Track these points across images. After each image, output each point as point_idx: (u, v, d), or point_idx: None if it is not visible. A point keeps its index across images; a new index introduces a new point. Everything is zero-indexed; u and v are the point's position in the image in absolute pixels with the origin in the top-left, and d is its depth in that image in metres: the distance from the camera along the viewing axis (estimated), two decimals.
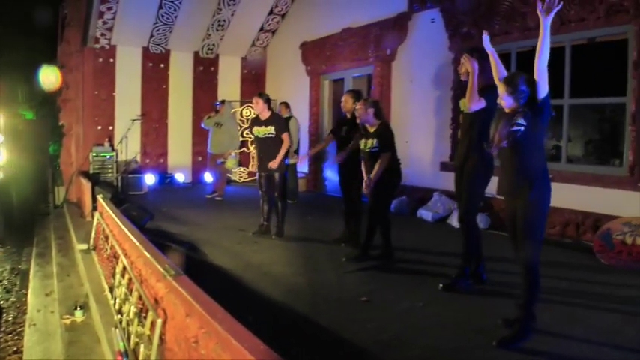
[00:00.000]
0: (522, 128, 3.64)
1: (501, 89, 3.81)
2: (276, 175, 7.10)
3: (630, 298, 4.77)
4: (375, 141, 5.83)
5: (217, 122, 10.96)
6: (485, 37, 4.46)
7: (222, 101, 11.39)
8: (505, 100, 3.77)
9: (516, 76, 3.79)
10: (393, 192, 6.21)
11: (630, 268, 5.81)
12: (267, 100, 7.22)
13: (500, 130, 3.75)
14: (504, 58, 7.58)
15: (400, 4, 9.95)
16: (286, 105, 10.48)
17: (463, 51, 5.33)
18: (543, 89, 3.62)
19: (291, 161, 8.87)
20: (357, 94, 6.79)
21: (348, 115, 6.74)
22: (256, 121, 7.26)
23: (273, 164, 6.99)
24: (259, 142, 7.21)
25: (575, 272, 5.66)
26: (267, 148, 7.11)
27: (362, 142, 6.00)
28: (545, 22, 3.62)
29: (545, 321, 3.95)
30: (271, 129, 7.07)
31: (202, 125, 11.38)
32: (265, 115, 7.16)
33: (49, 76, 11.85)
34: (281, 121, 7.31)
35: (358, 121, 6.03)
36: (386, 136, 5.87)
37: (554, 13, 3.63)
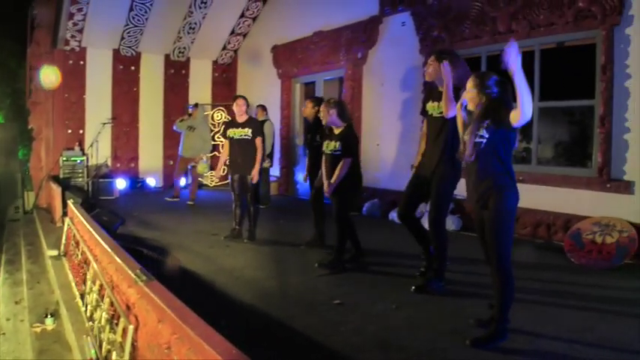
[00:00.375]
0: (484, 140, 3.70)
1: (469, 84, 3.86)
2: (249, 177, 7.12)
3: (600, 297, 4.86)
4: (337, 144, 5.77)
5: (190, 125, 10.89)
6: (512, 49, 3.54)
7: (196, 104, 11.33)
8: (469, 92, 3.82)
9: (487, 75, 3.88)
10: (355, 196, 6.19)
11: (600, 267, 5.91)
12: (247, 104, 7.42)
13: (469, 141, 3.78)
14: (474, 61, 7.66)
15: (371, 8, 10.00)
16: (263, 108, 10.44)
17: (431, 53, 5.36)
18: (521, 123, 3.65)
19: (264, 165, 8.86)
20: (317, 101, 6.98)
21: (310, 120, 6.98)
22: (232, 124, 7.33)
23: (254, 177, 7.08)
24: (234, 143, 7.22)
25: (547, 272, 5.72)
26: (242, 149, 7.15)
27: (325, 144, 5.95)
28: (514, 71, 3.51)
29: (518, 320, 3.98)
30: (248, 131, 7.13)
31: (175, 128, 11.30)
32: (243, 117, 7.24)
33: (49, 76, 11.69)
34: (257, 125, 7.42)
35: (324, 122, 6.01)
36: (349, 141, 5.81)
37: (517, 61, 3.50)
